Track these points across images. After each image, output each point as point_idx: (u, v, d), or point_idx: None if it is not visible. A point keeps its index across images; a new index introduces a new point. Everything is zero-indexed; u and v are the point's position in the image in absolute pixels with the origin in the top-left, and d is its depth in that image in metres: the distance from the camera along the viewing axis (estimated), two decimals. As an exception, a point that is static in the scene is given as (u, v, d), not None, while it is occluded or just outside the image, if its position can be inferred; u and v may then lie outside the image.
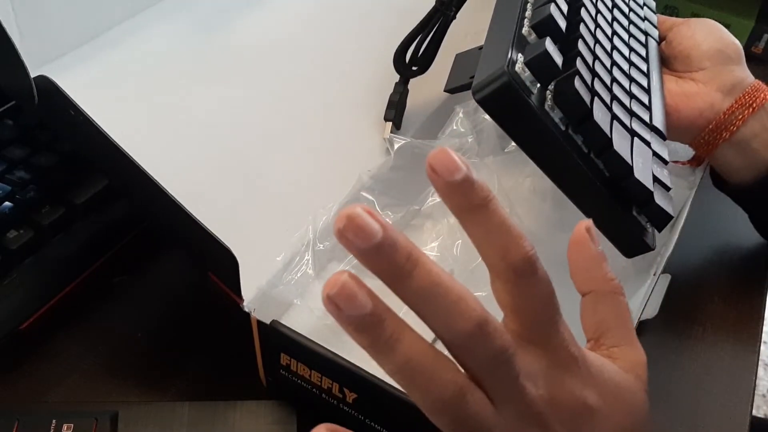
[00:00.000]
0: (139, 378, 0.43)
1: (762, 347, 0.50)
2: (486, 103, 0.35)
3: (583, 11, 0.44)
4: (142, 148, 0.37)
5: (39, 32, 0.39)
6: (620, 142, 0.39)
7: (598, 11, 0.48)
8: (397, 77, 0.52)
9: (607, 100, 0.41)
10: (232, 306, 0.39)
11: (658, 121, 0.45)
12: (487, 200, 0.25)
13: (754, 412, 0.49)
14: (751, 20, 0.73)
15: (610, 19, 0.49)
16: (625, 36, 0.49)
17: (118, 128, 0.37)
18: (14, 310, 0.42)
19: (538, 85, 0.37)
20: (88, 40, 0.42)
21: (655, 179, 0.41)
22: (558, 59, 0.38)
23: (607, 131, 0.38)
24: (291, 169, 0.46)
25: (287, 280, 0.41)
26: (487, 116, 0.51)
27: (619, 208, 0.40)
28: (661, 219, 0.41)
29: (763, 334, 0.51)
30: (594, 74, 0.41)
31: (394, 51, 0.51)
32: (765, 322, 0.51)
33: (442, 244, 0.47)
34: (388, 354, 0.24)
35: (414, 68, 0.51)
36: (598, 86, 0.40)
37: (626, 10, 0.53)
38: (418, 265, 0.23)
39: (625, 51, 0.48)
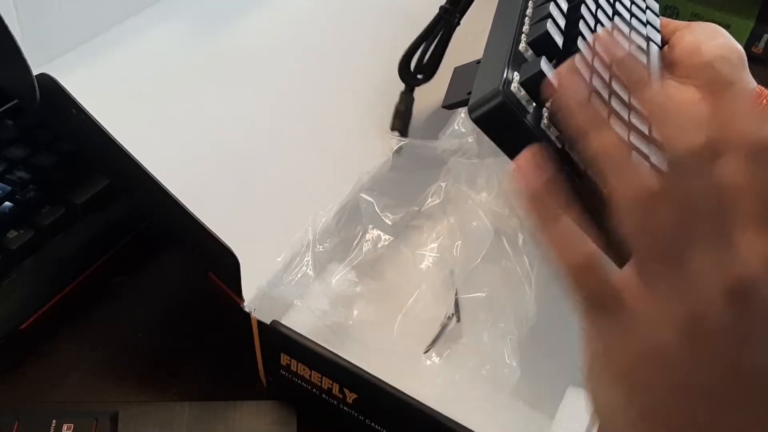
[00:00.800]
0: (139, 378, 0.42)
1: (762, 348, 0.50)
2: (481, 123, 0.35)
3: (581, 24, 0.44)
4: (143, 147, 0.37)
5: (41, 30, 0.39)
6: None
7: (597, 21, 0.48)
8: (397, 78, 0.52)
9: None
10: (232, 306, 0.39)
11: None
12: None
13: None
14: (751, 20, 0.73)
15: (610, 29, 0.49)
16: (626, 45, 0.49)
17: (120, 127, 0.37)
18: (14, 310, 0.42)
19: (534, 104, 0.37)
20: (90, 38, 0.42)
21: None
22: (554, 79, 0.38)
23: None
24: (291, 169, 0.46)
25: (287, 281, 0.41)
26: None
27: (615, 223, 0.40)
28: None
29: (763, 335, 0.51)
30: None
31: (399, 60, 0.51)
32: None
33: (442, 245, 0.47)
34: (598, 134, 0.26)
35: (419, 76, 0.51)
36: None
37: (627, 16, 0.53)
38: (654, 83, 0.26)
39: None
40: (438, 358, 0.41)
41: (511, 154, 0.32)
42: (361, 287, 0.44)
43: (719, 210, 0.23)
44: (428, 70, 0.51)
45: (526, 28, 0.42)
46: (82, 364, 0.43)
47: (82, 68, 0.40)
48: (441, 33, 0.51)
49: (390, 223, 0.46)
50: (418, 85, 0.51)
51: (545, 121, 0.37)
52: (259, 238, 0.41)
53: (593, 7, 0.48)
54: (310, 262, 0.42)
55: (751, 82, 0.50)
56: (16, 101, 0.50)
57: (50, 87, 0.36)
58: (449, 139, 0.50)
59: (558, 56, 0.41)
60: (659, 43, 0.54)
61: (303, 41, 0.52)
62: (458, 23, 0.51)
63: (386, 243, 0.46)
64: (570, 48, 0.42)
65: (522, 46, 0.40)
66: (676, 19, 0.57)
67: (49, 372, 0.42)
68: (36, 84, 0.36)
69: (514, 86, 0.36)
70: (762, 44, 0.74)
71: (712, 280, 0.23)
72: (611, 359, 0.26)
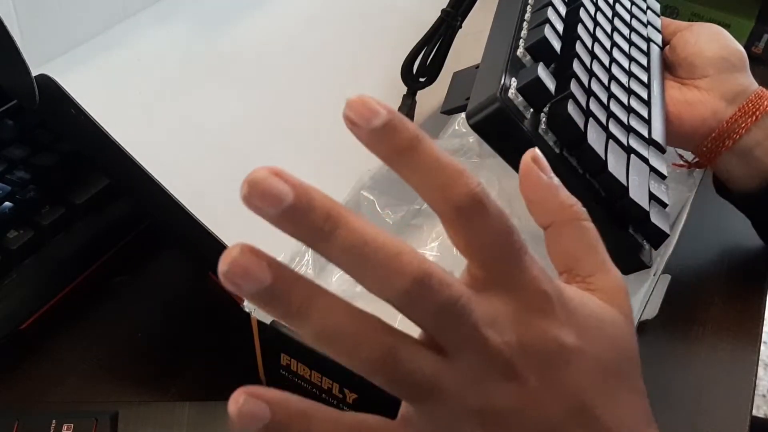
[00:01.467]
0: (139, 378, 0.42)
1: (762, 347, 0.50)
2: (479, 128, 0.35)
3: (579, 28, 0.44)
4: (142, 147, 0.37)
5: (40, 31, 0.39)
6: (615, 163, 0.39)
7: (596, 24, 0.47)
8: (397, 79, 0.52)
9: (603, 119, 0.41)
10: (232, 306, 0.39)
11: (658, 134, 0.45)
12: (415, 141, 0.23)
13: (754, 412, 0.48)
14: (751, 20, 0.73)
15: (609, 31, 0.49)
16: (626, 46, 0.49)
17: (119, 127, 0.37)
18: (14, 310, 0.42)
19: (532, 109, 0.37)
20: (90, 38, 0.42)
21: (652, 196, 0.41)
22: (550, 84, 0.38)
23: (602, 153, 0.38)
24: (292, 169, 0.45)
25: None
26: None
27: (614, 226, 0.40)
28: (657, 237, 0.41)
29: (763, 335, 0.51)
30: (590, 94, 0.41)
31: (401, 63, 0.51)
32: (765, 323, 0.51)
33: (442, 244, 0.47)
34: (303, 324, 0.22)
35: (422, 80, 0.51)
36: (593, 106, 0.40)
37: (628, 18, 0.53)
38: (340, 225, 0.22)
39: (625, 63, 0.48)
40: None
41: (509, 158, 0.32)
42: (361, 287, 0.44)
43: (456, 323, 0.23)
44: (431, 73, 0.51)
45: (524, 33, 0.42)
46: (82, 364, 0.43)
47: (82, 69, 0.40)
48: (443, 36, 0.51)
49: (390, 221, 0.46)
50: (421, 88, 0.51)
51: (543, 126, 0.37)
52: (259, 238, 0.41)
53: (592, 10, 0.48)
54: (310, 262, 0.42)
55: (753, 84, 0.49)
56: (15, 101, 0.50)
57: (49, 87, 0.36)
58: (450, 139, 0.50)
59: (556, 61, 0.41)
60: (660, 44, 0.54)
61: (303, 42, 0.52)
62: (460, 26, 0.51)
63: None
64: (568, 52, 0.42)
65: (520, 51, 0.40)
66: (675, 19, 0.57)
67: (49, 372, 0.42)
68: (35, 84, 0.36)
69: (512, 92, 0.36)
70: (762, 44, 0.74)
71: (480, 377, 0.24)
72: None
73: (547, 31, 0.41)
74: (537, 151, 0.29)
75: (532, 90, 0.37)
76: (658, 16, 0.57)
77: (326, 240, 0.22)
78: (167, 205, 0.37)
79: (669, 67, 0.52)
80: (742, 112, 0.47)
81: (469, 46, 0.52)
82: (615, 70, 0.46)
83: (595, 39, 0.46)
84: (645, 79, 0.48)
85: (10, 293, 0.42)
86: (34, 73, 0.36)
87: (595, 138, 0.38)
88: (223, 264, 0.21)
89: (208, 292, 0.43)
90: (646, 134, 0.44)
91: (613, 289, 0.28)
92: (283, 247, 0.42)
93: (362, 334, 0.23)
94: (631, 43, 0.51)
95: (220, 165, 0.43)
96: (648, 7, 0.57)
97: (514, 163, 0.35)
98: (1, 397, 0.41)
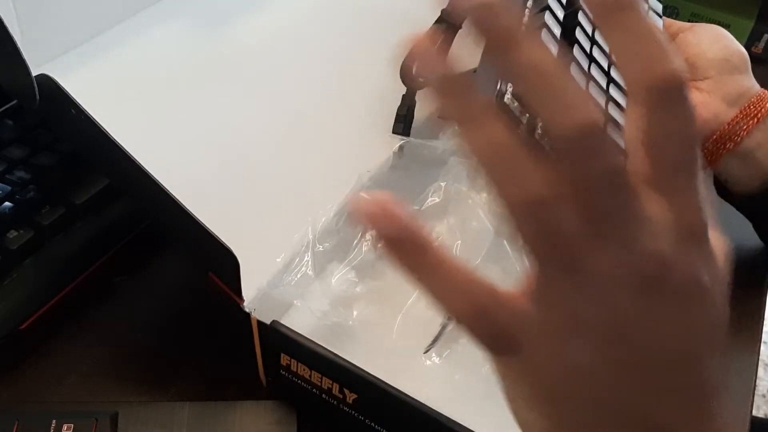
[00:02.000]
0: (139, 378, 0.42)
1: (762, 347, 0.50)
2: None
3: (578, 32, 0.44)
4: (143, 148, 0.37)
5: (40, 30, 0.39)
6: None
7: (595, 27, 0.47)
8: (398, 77, 0.52)
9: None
10: (232, 306, 0.39)
11: None
12: (635, 3, 0.21)
13: (754, 412, 0.48)
14: (750, 20, 0.73)
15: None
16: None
17: (119, 127, 0.37)
18: (14, 310, 0.42)
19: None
20: (90, 38, 0.42)
21: None
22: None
23: None
24: (292, 169, 0.46)
25: (287, 282, 0.41)
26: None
27: None
28: None
29: (763, 334, 0.51)
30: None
31: (401, 62, 0.51)
32: (765, 322, 0.51)
33: (441, 245, 0.47)
34: (475, 128, 0.21)
35: (421, 80, 0.51)
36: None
37: None
38: (529, 41, 0.21)
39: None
40: (438, 358, 0.41)
41: None
42: (360, 287, 0.44)
43: (615, 201, 0.21)
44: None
45: None
46: (81, 364, 0.43)
47: (82, 68, 0.40)
48: (443, 36, 0.50)
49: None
50: (420, 88, 0.51)
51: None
52: (259, 238, 0.41)
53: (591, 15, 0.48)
54: (309, 263, 0.42)
55: (755, 86, 0.49)
56: (15, 101, 0.50)
57: (49, 87, 0.36)
58: (450, 139, 0.50)
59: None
60: None
61: (303, 41, 0.52)
62: (461, 26, 0.51)
63: (386, 243, 0.46)
64: (565, 56, 0.42)
65: None
66: (676, 19, 0.57)
67: (49, 372, 0.42)
68: (35, 84, 0.36)
69: (508, 98, 0.37)
70: (762, 44, 0.74)
71: (619, 279, 0.22)
72: (529, 392, 0.25)
73: (544, 35, 0.41)
74: None
75: None
76: (660, 17, 0.57)
77: (510, 52, 0.21)
78: (167, 205, 0.37)
79: None
80: (744, 114, 0.47)
81: (468, 45, 0.52)
82: (614, 73, 0.46)
83: (594, 42, 0.46)
84: None
85: (10, 293, 0.42)
86: (34, 72, 0.36)
87: None
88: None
89: (208, 292, 0.43)
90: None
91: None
92: (283, 248, 0.42)
93: (530, 166, 0.21)
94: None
95: (220, 165, 0.43)
96: (649, 8, 0.57)
97: None
98: (1, 396, 0.41)
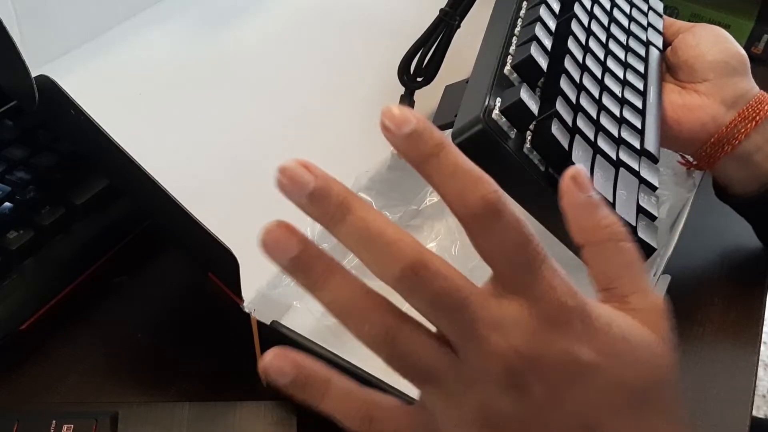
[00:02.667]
0: (139, 378, 0.42)
1: (762, 348, 0.50)
2: (464, 148, 0.35)
3: (570, 41, 0.44)
4: (142, 148, 0.37)
5: (40, 31, 0.39)
6: (602, 178, 0.40)
7: (590, 35, 0.47)
8: (396, 80, 0.52)
9: (591, 134, 0.41)
10: (232, 306, 0.39)
11: (651, 144, 0.45)
12: (438, 147, 0.24)
13: (755, 413, 0.48)
14: (750, 21, 0.73)
15: (605, 39, 0.49)
16: (622, 54, 0.49)
17: (119, 128, 0.37)
18: (14, 310, 0.42)
19: (516, 129, 0.38)
20: (89, 39, 0.42)
21: (640, 210, 0.41)
22: (533, 106, 0.38)
23: (588, 172, 0.39)
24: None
25: (286, 282, 0.41)
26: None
27: None
28: (645, 251, 0.41)
29: (763, 335, 0.51)
30: (578, 110, 0.41)
31: (398, 63, 0.51)
32: (765, 323, 0.51)
33: (440, 245, 0.47)
34: (320, 295, 0.25)
35: (419, 80, 0.51)
36: (581, 122, 0.41)
37: (626, 23, 0.53)
38: (351, 211, 0.24)
39: (620, 72, 0.48)
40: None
41: (495, 177, 0.33)
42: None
43: (454, 315, 0.24)
44: (428, 73, 0.51)
45: (512, 49, 0.42)
46: (81, 364, 0.43)
47: (81, 69, 0.40)
48: (441, 36, 0.50)
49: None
50: (418, 88, 0.51)
51: (528, 145, 0.38)
52: (259, 238, 0.41)
53: (586, 20, 0.48)
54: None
55: (753, 88, 0.49)
56: (15, 102, 0.50)
57: (49, 88, 0.36)
58: (447, 139, 0.50)
59: (544, 77, 0.42)
60: (661, 46, 0.53)
61: (302, 42, 0.52)
62: (458, 26, 0.51)
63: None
64: (557, 68, 0.42)
65: (507, 68, 0.40)
66: (675, 19, 0.57)
67: (49, 372, 0.42)
68: (35, 85, 0.36)
69: (496, 113, 0.37)
70: (762, 44, 0.74)
71: (482, 377, 0.25)
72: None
73: (534, 50, 0.41)
74: (578, 168, 0.28)
75: (515, 112, 0.37)
76: (661, 16, 0.56)
77: (337, 223, 0.25)
78: (167, 206, 0.37)
79: (670, 69, 0.52)
80: (742, 117, 0.47)
81: (467, 46, 0.52)
82: (608, 80, 0.46)
83: (587, 50, 0.46)
84: (641, 86, 0.48)
85: (10, 294, 0.42)
86: (33, 73, 0.36)
87: (580, 155, 0.39)
88: (261, 233, 0.25)
89: (208, 293, 0.43)
90: (638, 145, 0.44)
91: (651, 310, 0.28)
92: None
93: (368, 311, 0.25)
94: (628, 49, 0.50)
95: (219, 165, 0.43)
96: (650, 8, 0.56)
97: (500, 182, 0.36)
98: (1, 397, 0.41)
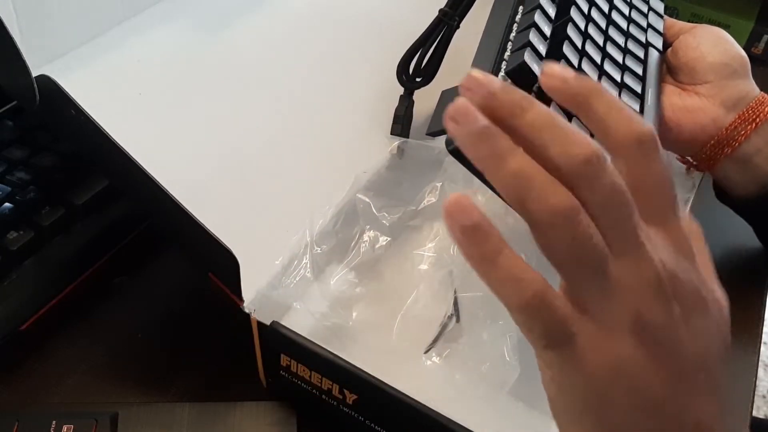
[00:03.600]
0: (139, 379, 0.43)
1: (762, 348, 0.50)
2: (456, 156, 0.36)
3: (566, 45, 0.44)
4: (142, 148, 0.37)
5: (40, 32, 0.39)
6: None
7: (587, 38, 0.47)
8: (395, 81, 0.52)
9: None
10: (232, 307, 0.39)
11: None
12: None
13: (755, 413, 0.49)
14: (750, 21, 0.73)
15: (602, 42, 0.48)
16: (620, 57, 0.49)
17: (119, 128, 0.37)
18: (14, 310, 0.42)
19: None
20: (90, 39, 0.42)
21: None
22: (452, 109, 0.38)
23: None
24: (290, 170, 0.46)
25: (286, 284, 0.41)
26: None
27: None
28: None
29: (763, 335, 0.51)
30: (572, 116, 0.41)
31: (397, 63, 0.51)
32: (765, 324, 0.51)
33: (439, 245, 0.47)
34: (504, 162, 0.25)
35: (418, 80, 0.51)
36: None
37: (625, 25, 0.52)
38: (534, 104, 0.26)
39: (617, 75, 0.47)
40: (438, 358, 0.41)
41: (487, 184, 0.33)
42: (359, 288, 0.44)
43: (622, 213, 0.25)
44: (427, 73, 0.51)
45: (507, 54, 0.42)
46: (82, 364, 0.43)
47: (82, 69, 0.40)
48: (440, 36, 0.50)
49: (387, 223, 0.46)
50: (417, 88, 0.51)
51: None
52: (259, 239, 0.41)
53: (582, 24, 0.48)
54: (308, 265, 0.42)
55: (754, 90, 0.49)
56: (15, 102, 0.50)
57: (49, 88, 0.36)
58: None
59: (537, 84, 0.41)
60: (661, 48, 0.53)
61: (302, 43, 0.52)
62: (458, 26, 0.51)
63: (384, 244, 0.46)
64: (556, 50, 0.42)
65: (501, 75, 0.40)
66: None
67: (49, 373, 0.42)
68: (35, 85, 0.36)
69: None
70: (762, 45, 0.74)
71: (637, 282, 0.25)
72: (575, 396, 0.26)
73: (527, 56, 0.40)
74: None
75: None
76: (662, 17, 0.56)
77: (525, 111, 0.26)
78: (167, 206, 0.37)
79: (670, 71, 0.52)
80: (742, 119, 0.47)
81: (466, 45, 0.52)
82: (605, 84, 0.46)
83: (583, 54, 0.45)
84: (639, 89, 0.48)
85: (10, 294, 0.42)
86: (34, 73, 0.36)
87: None
88: (452, 109, 0.26)
89: (208, 293, 0.43)
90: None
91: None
92: (282, 249, 0.42)
93: (553, 185, 0.25)
94: (626, 52, 0.50)
95: (219, 165, 0.43)
96: (650, 9, 0.56)
97: (492, 189, 0.36)
98: (1, 397, 0.41)
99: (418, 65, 0.51)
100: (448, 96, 0.47)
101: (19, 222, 0.44)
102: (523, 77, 0.40)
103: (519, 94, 0.26)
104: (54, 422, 0.38)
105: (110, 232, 0.47)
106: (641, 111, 0.47)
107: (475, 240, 0.25)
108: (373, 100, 0.52)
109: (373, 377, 0.36)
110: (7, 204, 0.45)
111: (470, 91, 0.26)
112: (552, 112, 0.26)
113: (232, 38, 0.49)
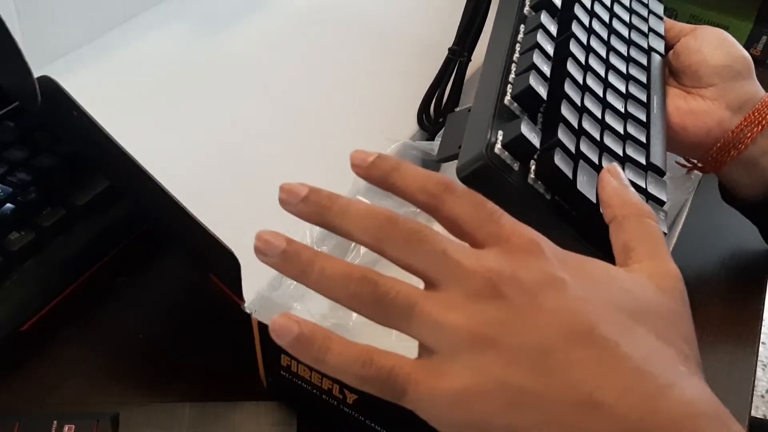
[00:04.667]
0: (140, 379, 0.43)
1: (761, 348, 0.50)
2: (469, 183, 0.36)
3: (570, 63, 0.44)
4: (144, 149, 0.37)
5: (42, 32, 0.39)
6: None
7: (590, 51, 0.47)
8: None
9: (595, 157, 0.41)
10: (232, 307, 0.39)
11: (657, 157, 0.45)
12: (396, 167, 0.29)
13: (753, 413, 0.49)
14: (749, 22, 0.74)
15: (605, 54, 0.48)
16: (623, 66, 0.49)
17: (121, 128, 0.37)
18: (15, 311, 0.42)
19: (519, 162, 0.38)
20: (91, 40, 0.42)
21: None
22: (535, 138, 0.38)
23: (592, 196, 0.38)
24: (291, 171, 0.46)
25: (287, 284, 0.41)
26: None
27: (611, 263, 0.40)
28: None
29: (762, 335, 0.51)
30: (580, 134, 0.41)
31: (417, 109, 0.50)
32: (764, 323, 0.51)
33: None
34: (307, 275, 0.28)
35: (441, 120, 0.51)
36: (584, 147, 0.40)
37: (626, 33, 0.52)
38: (335, 201, 0.29)
39: (622, 86, 0.47)
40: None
41: (503, 207, 0.33)
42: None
43: (424, 249, 0.27)
44: (447, 112, 0.51)
45: (512, 77, 0.42)
46: (82, 365, 0.43)
47: (83, 70, 0.40)
48: (454, 73, 0.51)
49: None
50: (441, 129, 0.50)
51: (532, 176, 0.38)
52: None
53: (584, 38, 0.47)
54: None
55: (759, 91, 0.48)
56: (17, 103, 0.50)
57: (51, 89, 0.36)
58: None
59: (545, 105, 0.41)
60: (662, 51, 0.53)
61: (302, 43, 0.52)
62: (469, 59, 0.51)
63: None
64: (557, 94, 0.42)
65: (507, 99, 0.40)
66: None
67: (50, 373, 0.42)
68: (37, 86, 0.36)
69: (498, 148, 0.37)
70: (761, 46, 0.74)
71: (462, 301, 0.26)
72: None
73: (533, 79, 0.40)
74: (614, 165, 0.35)
75: (516, 146, 0.37)
76: (662, 19, 0.56)
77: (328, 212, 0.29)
78: (168, 207, 0.37)
79: (673, 74, 0.51)
80: (748, 121, 0.47)
81: (472, 66, 0.52)
82: (610, 97, 0.45)
83: (587, 69, 0.45)
84: (644, 97, 0.47)
85: (11, 295, 0.42)
86: (35, 74, 0.36)
87: (585, 181, 0.38)
88: (256, 240, 0.29)
89: (208, 294, 0.43)
90: (643, 160, 0.44)
91: (665, 275, 0.29)
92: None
93: (348, 273, 0.27)
94: (629, 60, 0.50)
95: (220, 166, 0.43)
96: (650, 12, 0.56)
97: (508, 212, 0.36)
98: (1, 398, 0.41)
99: (438, 106, 0.51)
100: (454, 120, 0.46)
101: (19, 223, 0.44)
102: (529, 100, 0.40)
103: (323, 194, 0.29)
104: (55, 423, 0.38)
105: (111, 233, 0.47)
106: (647, 120, 0.46)
107: (300, 345, 0.27)
108: (373, 100, 0.52)
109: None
110: (8, 205, 0.45)
111: (288, 204, 0.30)
112: (346, 199, 0.29)
113: (233, 39, 0.49)
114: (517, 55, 0.44)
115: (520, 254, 0.27)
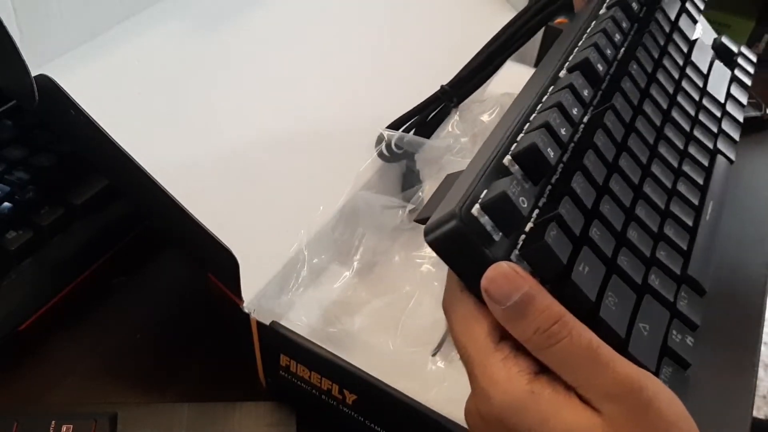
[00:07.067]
0: (139, 379, 0.42)
1: (762, 348, 0.50)
2: (436, 248, 0.29)
3: (598, 134, 0.35)
4: (142, 148, 0.37)
5: (39, 31, 0.39)
6: (612, 307, 0.30)
7: (631, 131, 0.38)
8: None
9: (609, 249, 0.32)
10: (231, 307, 0.39)
11: (697, 271, 0.37)
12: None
13: (755, 414, 0.49)
14: (751, 21, 0.74)
15: (652, 141, 0.40)
16: (675, 160, 0.40)
17: (119, 127, 0.37)
18: (13, 311, 0.42)
19: (501, 232, 0.29)
20: (89, 39, 0.42)
21: (666, 352, 0.32)
22: (524, 204, 0.29)
23: (592, 293, 0.29)
24: (291, 170, 0.46)
25: (286, 284, 0.41)
26: (484, 118, 0.51)
27: None
28: None
29: (763, 336, 0.51)
30: (593, 216, 0.33)
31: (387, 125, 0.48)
32: (765, 324, 0.51)
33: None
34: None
35: (399, 152, 0.48)
36: (596, 231, 0.32)
37: (687, 126, 0.43)
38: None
39: (668, 181, 0.39)
40: (443, 362, 0.41)
41: (475, 282, 0.28)
42: (359, 289, 0.44)
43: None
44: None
45: (520, 136, 0.34)
46: (81, 365, 0.43)
47: (81, 69, 0.40)
48: (435, 113, 0.49)
49: (388, 224, 0.46)
50: (396, 161, 0.48)
51: (517, 252, 0.29)
52: (259, 239, 0.41)
53: (627, 116, 0.39)
54: (307, 266, 0.42)
55: None
56: (14, 102, 0.50)
57: (49, 88, 0.36)
58: (444, 140, 0.50)
59: (556, 176, 0.34)
60: (734, 158, 0.45)
61: (301, 42, 0.52)
62: (455, 107, 0.50)
63: (384, 244, 0.46)
64: (572, 163, 0.34)
65: (507, 158, 0.32)
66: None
67: (48, 373, 0.42)
68: (35, 85, 0.36)
69: (476, 209, 0.28)
70: (762, 44, 0.74)
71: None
72: None
73: (540, 138, 0.32)
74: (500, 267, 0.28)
75: (498, 208, 0.28)
76: (740, 125, 0.48)
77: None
78: (167, 206, 0.37)
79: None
80: None
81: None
82: (648, 188, 0.37)
83: (623, 149, 0.37)
84: (695, 200, 0.39)
85: (9, 294, 0.42)
86: (33, 73, 0.36)
87: (587, 273, 0.30)
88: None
89: (207, 293, 0.43)
90: (678, 270, 0.36)
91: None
92: (282, 250, 0.42)
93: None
94: (684, 155, 0.42)
95: (219, 165, 0.43)
96: (725, 114, 0.48)
97: (474, 290, 0.29)
98: (0, 398, 0.41)
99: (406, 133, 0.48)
100: (448, 181, 0.35)
101: (18, 222, 0.44)
102: (532, 162, 0.32)
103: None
104: (53, 422, 0.38)
105: (109, 232, 0.47)
106: (695, 226, 0.39)
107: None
108: (373, 99, 0.52)
109: (373, 377, 0.36)
110: (6, 204, 0.45)
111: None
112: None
113: (232, 38, 0.48)
114: (534, 114, 0.36)
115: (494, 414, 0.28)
